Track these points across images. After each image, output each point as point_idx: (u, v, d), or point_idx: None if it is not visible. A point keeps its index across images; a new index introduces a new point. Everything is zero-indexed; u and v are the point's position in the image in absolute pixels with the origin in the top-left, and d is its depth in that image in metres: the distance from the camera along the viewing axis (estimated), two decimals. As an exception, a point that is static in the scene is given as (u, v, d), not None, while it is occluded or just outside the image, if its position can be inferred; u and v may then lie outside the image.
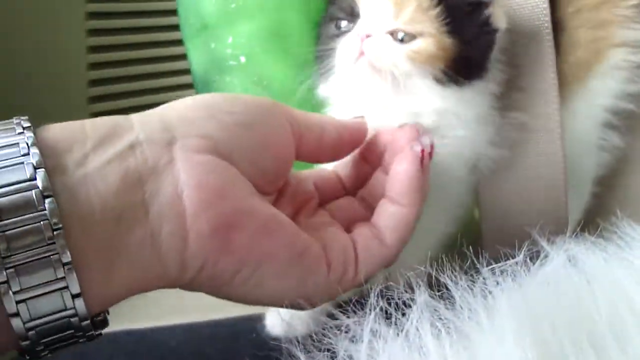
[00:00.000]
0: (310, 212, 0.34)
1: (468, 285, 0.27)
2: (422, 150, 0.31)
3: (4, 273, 0.21)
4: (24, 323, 0.22)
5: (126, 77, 0.58)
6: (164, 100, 0.59)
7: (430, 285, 0.27)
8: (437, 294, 0.26)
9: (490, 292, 0.27)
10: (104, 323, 0.26)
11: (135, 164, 0.24)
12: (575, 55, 0.43)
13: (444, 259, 0.25)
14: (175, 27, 0.45)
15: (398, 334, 0.25)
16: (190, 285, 0.27)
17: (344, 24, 0.38)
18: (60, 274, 0.22)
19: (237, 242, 0.26)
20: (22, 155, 0.22)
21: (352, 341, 0.26)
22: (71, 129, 0.25)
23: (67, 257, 0.22)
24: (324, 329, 0.26)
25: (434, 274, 0.26)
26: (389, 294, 0.27)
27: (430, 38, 0.36)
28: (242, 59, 0.41)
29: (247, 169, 0.27)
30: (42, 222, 0.21)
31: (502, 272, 0.28)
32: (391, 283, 0.27)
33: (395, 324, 0.26)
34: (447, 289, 0.26)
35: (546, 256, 0.31)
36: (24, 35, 0.50)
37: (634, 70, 0.44)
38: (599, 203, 0.48)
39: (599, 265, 0.32)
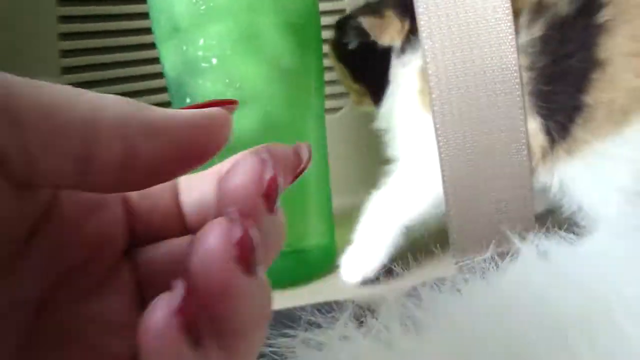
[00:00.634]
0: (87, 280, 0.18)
1: (436, 284, 0.27)
2: (245, 233, 0.15)
3: None
4: None
5: (100, 80, 0.57)
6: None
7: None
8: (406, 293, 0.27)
9: (458, 290, 0.27)
10: None
11: None
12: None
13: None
14: (148, 30, 0.45)
15: (366, 335, 0.25)
16: None
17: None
18: None
19: None
20: None
21: (319, 349, 0.26)
22: None
23: None
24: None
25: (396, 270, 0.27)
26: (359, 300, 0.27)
27: None
28: (214, 61, 0.41)
29: None
30: None
31: (470, 269, 0.29)
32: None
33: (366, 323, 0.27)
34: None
35: (516, 252, 0.32)
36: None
37: None
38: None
39: (568, 260, 0.32)
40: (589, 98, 0.40)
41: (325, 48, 0.48)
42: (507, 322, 0.27)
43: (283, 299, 0.43)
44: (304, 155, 0.21)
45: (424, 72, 0.43)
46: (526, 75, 0.43)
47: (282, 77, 0.42)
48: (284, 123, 0.43)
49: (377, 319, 0.26)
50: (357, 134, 0.65)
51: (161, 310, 0.14)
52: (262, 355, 0.26)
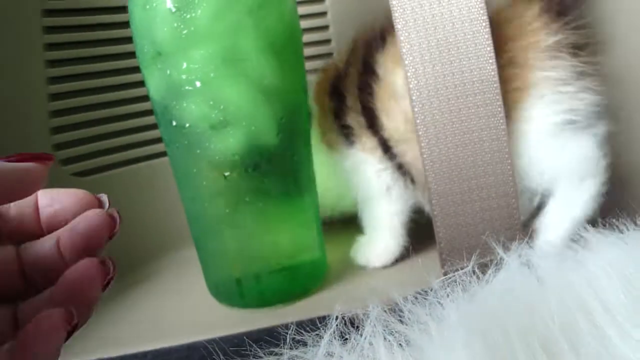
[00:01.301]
0: None
1: (417, 298, 0.27)
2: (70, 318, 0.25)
3: None
4: None
5: (88, 105, 0.58)
6: (127, 127, 0.59)
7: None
8: (389, 308, 0.27)
9: (440, 304, 0.28)
10: None
11: None
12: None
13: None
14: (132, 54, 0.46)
15: (350, 352, 0.26)
16: None
17: None
18: None
19: None
20: None
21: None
22: None
23: None
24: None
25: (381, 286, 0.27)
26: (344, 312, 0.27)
27: None
28: (197, 84, 0.41)
29: None
30: None
31: (453, 283, 0.29)
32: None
33: (351, 341, 0.27)
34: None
35: (500, 262, 0.32)
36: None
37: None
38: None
39: (552, 268, 0.33)
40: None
41: (308, 65, 0.48)
42: (491, 332, 0.27)
43: (273, 316, 0.44)
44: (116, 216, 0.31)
45: None
46: None
47: (265, 96, 0.43)
48: (270, 142, 0.44)
49: (361, 335, 0.27)
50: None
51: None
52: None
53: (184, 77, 0.42)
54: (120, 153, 0.60)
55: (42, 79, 0.54)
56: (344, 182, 0.54)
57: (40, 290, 0.29)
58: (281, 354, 0.28)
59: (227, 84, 0.42)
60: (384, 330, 0.27)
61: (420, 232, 0.51)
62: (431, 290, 0.29)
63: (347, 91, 0.52)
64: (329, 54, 0.69)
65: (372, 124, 0.50)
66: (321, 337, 0.27)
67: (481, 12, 0.42)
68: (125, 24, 0.45)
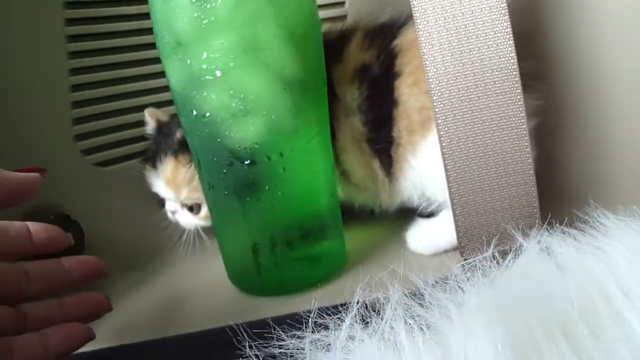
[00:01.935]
0: None
1: (437, 282, 0.27)
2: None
3: None
4: None
5: (109, 96, 0.59)
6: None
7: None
8: (409, 292, 0.27)
9: (461, 288, 0.28)
10: None
11: None
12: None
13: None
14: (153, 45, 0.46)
15: (371, 335, 0.26)
16: None
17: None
18: None
19: None
20: None
21: (328, 350, 0.27)
22: None
23: None
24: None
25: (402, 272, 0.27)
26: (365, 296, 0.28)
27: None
28: (218, 74, 0.42)
29: None
30: None
31: (473, 267, 0.29)
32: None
33: (372, 324, 0.27)
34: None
35: (519, 249, 0.32)
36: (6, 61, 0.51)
37: None
38: (572, 192, 0.49)
39: (571, 254, 0.33)
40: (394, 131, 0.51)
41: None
42: (510, 317, 0.27)
43: (293, 303, 0.44)
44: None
45: None
46: (363, 128, 0.52)
47: (285, 85, 0.43)
48: (289, 130, 0.44)
49: (382, 319, 0.27)
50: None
51: None
52: (272, 356, 0.27)
53: (204, 66, 0.42)
54: (141, 143, 0.61)
55: (64, 70, 0.55)
56: None
57: (40, 298, 0.36)
58: (303, 337, 0.28)
59: (247, 73, 0.42)
60: (405, 314, 0.27)
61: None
62: (451, 275, 0.29)
63: None
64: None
65: None
66: (342, 321, 0.28)
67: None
68: (146, 15, 0.45)
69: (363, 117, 0.52)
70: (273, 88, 0.43)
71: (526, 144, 0.43)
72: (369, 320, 0.28)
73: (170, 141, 0.56)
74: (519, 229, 0.36)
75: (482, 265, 0.30)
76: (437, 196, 0.52)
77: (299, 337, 0.28)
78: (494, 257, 0.31)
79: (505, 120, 0.43)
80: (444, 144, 0.44)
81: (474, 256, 0.33)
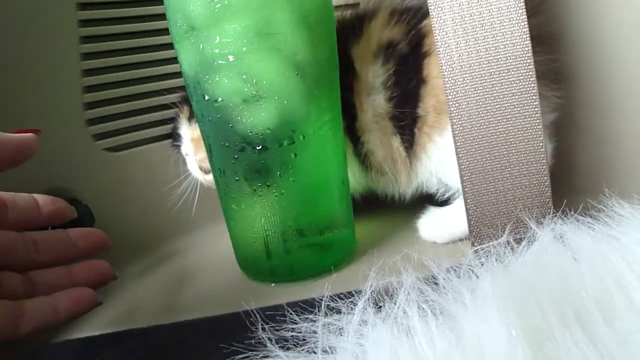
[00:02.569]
0: None
1: (451, 267, 0.27)
2: None
3: None
4: None
5: (121, 81, 0.59)
6: (159, 103, 0.60)
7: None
8: (423, 277, 0.27)
9: (474, 273, 0.28)
10: None
11: None
12: None
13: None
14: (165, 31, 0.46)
15: (385, 319, 0.26)
16: None
17: None
18: None
19: None
20: None
21: (340, 334, 0.27)
22: None
23: None
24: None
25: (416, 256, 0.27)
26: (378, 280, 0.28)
27: None
28: (230, 58, 0.42)
29: None
30: None
31: (487, 253, 0.29)
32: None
33: (385, 309, 0.27)
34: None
35: (533, 236, 0.32)
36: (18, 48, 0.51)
37: None
38: (588, 182, 0.48)
39: (586, 242, 0.33)
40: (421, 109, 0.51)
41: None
42: (524, 303, 0.27)
43: (304, 290, 0.44)
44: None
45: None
46: (387, 105, 0.51)
47: (298, 71, 0.43)
48: (302, 116, 0.44)
49: (395, 303, 0.27)
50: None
51: None
52: (284, 339, 0.27)
53: (216, 51, 0.42)
54: (152, 129, 0.61)
55: (76, 55, 0.55)
56: None
57: (48, 266, 0.38)
58: (315, 321, 0.28)
59: (260, 58, 0.42)
60: (418, 299, 0.27)
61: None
62: (465, 260, 0.29)
63: None
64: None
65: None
66: (355, 305, 0.28)
67: (515, -13, 0.42)
68: (158, 0, 0.45)
69: (388, 94, 0.52)
70: (285, 73, 0.43)
71: (539, 132, 0.42)
72: (382, 304, 0.28)
73: None
74: (532, 219, 0.35)
75: (496, 252, 0.30)
76: (454, 182, 0.51)
77: (311, 321, 0.28)
78: (508, 243, 0.30)
79: (518, 109, 0.43)
80: (456, 132, 0.44)
81: (487, 243, 0.33)
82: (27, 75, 0.52)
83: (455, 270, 0.28)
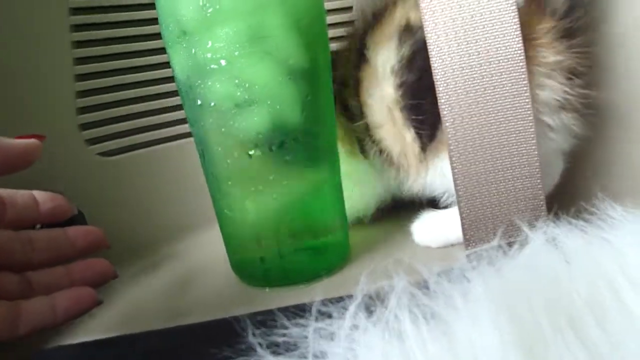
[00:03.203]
0: None
1: (443, 271, 0.27)
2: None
3: None
4: None
5: (114, 86, 0.59)
6: (152, 108, 0.60)
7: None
8: (414, 281, 0.27)
9: (466, 277, 0.28)
10: None
11: None
12: None
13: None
14: (158, 35, 0.46)
15: (376, 324, 0.26)
16: None
17: None
18: None
19: None
20: None
21: (331, 339, 0.26)
22: None
23: None
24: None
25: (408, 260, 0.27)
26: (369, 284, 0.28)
27: None
28: (223, 63, 0.42)
29: None
30: None
31: (479, 257, 0.29)
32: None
33: (376, 313, 0.27)
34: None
35: (526, 240, 0.32)
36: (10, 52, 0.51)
37: None
38: (581, 185, 0.48)
39: (578, 245, 0.33)
40: None
41: (332, 46, 0.48)
42: (516, 306, 0.27)
43: (296, 294, 0.44)
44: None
45: None
46: (396, 94, 0.49)
47: (291, 75, 0.43)
48: (294, 120, 0.44)
49: (386, 308, 0.27)
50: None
51: None
52: (275, 344, 0.27)
53: (209, 55, 0.42)
54: (145, 133, 0.61)
55: (69, 60, 0.55)
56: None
57: (45, 266, 0.37)
58: (306, 326, 0.28)
59: (252, 62, 0.42)
60: (410, 303, 0.27)
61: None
62: (457, 264, 0.29)
63: (349, 76, 0.53)
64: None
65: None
66: (346, 310, 0.28)
67: (508, -11, 0.42)
68: (151, 5, 0.45)
69: (399, 80, 0.49)
70: (278, 78, 0.43)
71: (532, 136, 0.42)
72: (373, 309, 0.27)
73: None
74: (525, 221, 0.35)
75: (488, 255, 0.30)
76: None
77: (302, 326, 0.28)
78: (500, 247, 0.30)
79: (511, 112, 0.43)
80: (450, 135, 0.44)
81: (478, 248, 0.33)
82: (19, 80, 0.52)
83: (446, 274, 0.28)
